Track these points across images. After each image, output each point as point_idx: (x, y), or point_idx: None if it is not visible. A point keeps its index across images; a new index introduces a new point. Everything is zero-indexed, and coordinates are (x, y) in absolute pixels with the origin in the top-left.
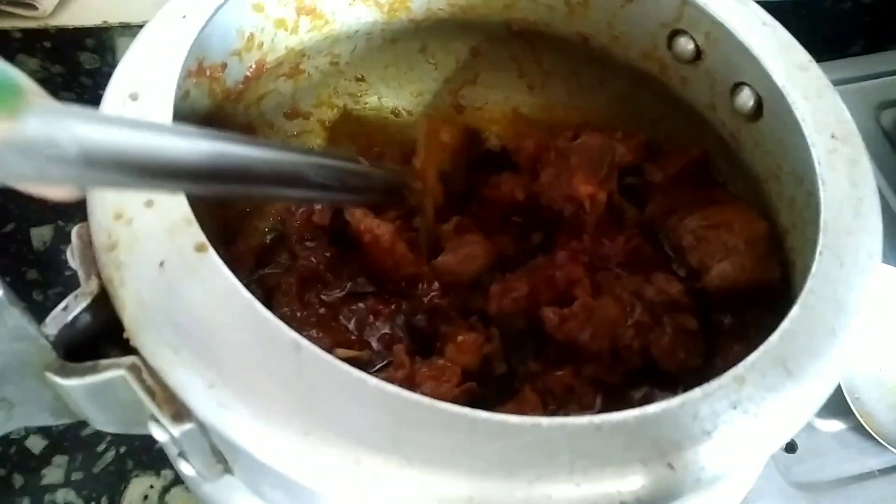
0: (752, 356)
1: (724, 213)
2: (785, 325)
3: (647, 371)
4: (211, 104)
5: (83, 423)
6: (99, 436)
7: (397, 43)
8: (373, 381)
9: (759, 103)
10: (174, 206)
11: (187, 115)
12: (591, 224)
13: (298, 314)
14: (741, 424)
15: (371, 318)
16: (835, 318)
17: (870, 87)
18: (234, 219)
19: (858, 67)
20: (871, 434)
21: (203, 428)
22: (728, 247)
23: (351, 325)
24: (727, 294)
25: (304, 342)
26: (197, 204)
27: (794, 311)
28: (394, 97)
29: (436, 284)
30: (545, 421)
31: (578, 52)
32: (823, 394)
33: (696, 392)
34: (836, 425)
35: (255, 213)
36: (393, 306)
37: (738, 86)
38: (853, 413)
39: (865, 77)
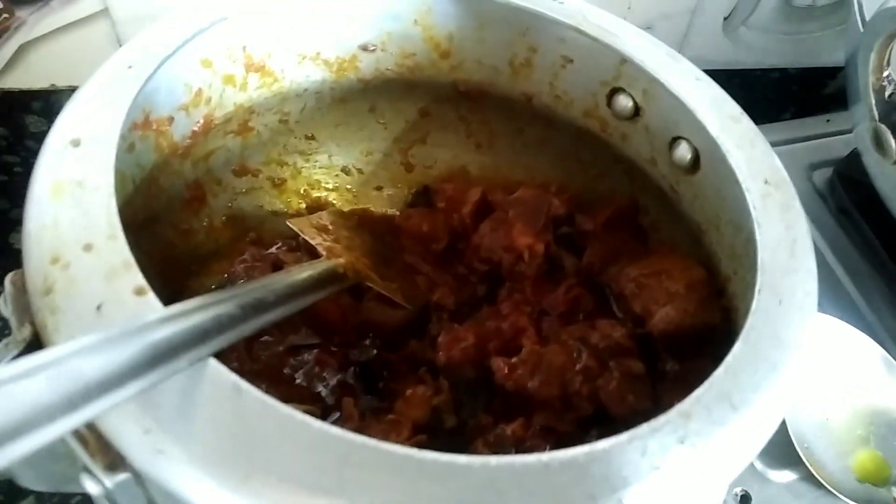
0: (697, 391)
1: (662, 262)
2: (728, 360)
3: (598, 419)
4: (157, 158)
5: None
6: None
7: (347, 102)
8: (316, 423)
9: (696, 156)
10: (114, 251)
11: (132, 167)
12: (530, 274)
13: (247, 368)
14: (689, 459)
15: (318, 369)
16: (776, 353)
17: (801, 148)
18: (177, 276)
19: (790, 131)
20: (822, 483)
21: (139, 477)
22: (670, 292)
23: (300, 378)
24: (671, 338)
25: (245, 385)
26: (138, 255)
27: (737, 347)
28: (344, 156)
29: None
30: (493, 460)
31: (523, 111)
32: (769, 428)
33: (644, 428)
34: (787, 476)
35: (202, 271)
36: (339, 357)
37: (675, 140)
38: (803, 463)
39: (797, 140)
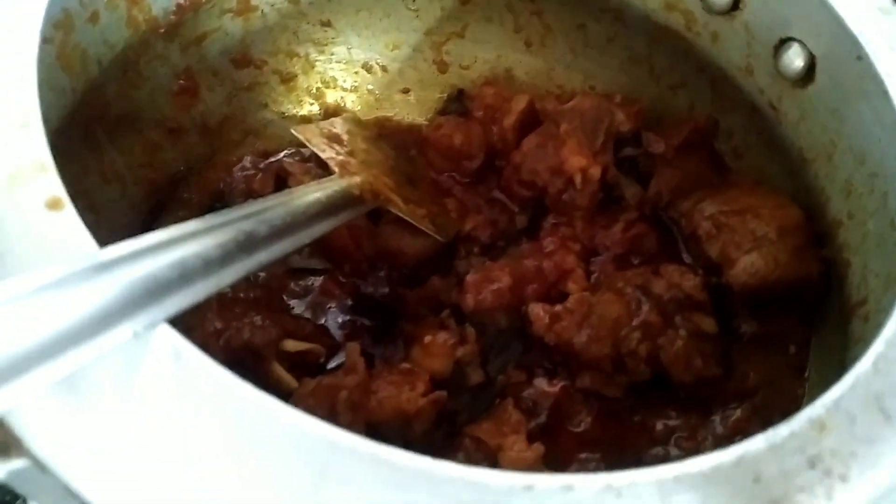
0: (834, 391)
1: (748, 197)
2: (879, 347)
3: (654, 384)
4: (131, 36)
5: None
6: None
7: None
8: (289, 413)
9: (811, 63)
10: (23, 145)
11: (96, 43)
12: (583, 204)
13: (241, 295)
14: (822, 491)
15: (324, 300)
16: None
17: None
18: (163, 184)
19: None
20: None
21: (41, 468)
22: (757, 236)
23: (302, 309)
24: (754, 293)
25: (187, 347)
26: (112, 157)
27: (889, 329)
28: (366, 49)
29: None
30: (542, 480)
31: (587, 1)
32: None
33: (759, 441)
34: None
35: (194, 179)
36: (349, 288)
37: (784, 42)
38: None
39: None
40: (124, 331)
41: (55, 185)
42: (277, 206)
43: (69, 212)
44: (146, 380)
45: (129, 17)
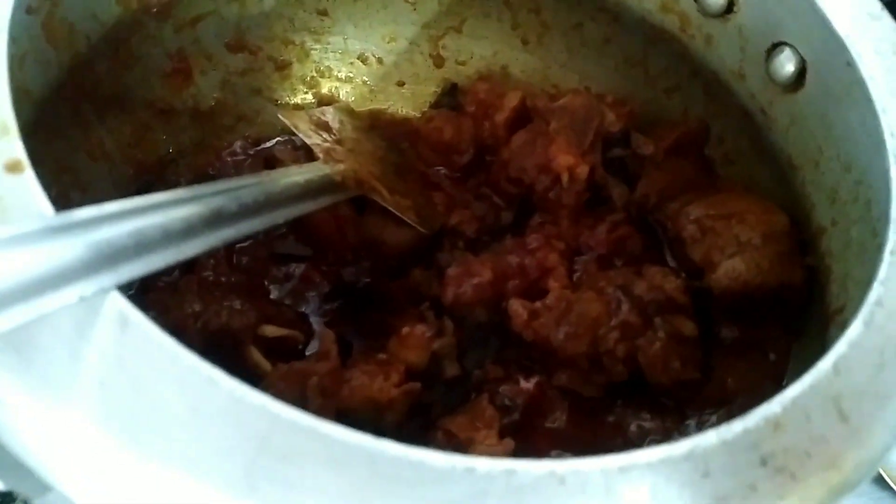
0: (792, 390)
1: (735, 202)
2: (841, 348)
3: (631, 386)
4: (122, 13)
5: None
6: None
7: None
8: (228, 383)
9: (801, 68)
10: None
11: (85, 18)
12: (568, 203)
13: (223, 279)
14: (772, 488)
15: (305, 287)
16: None
17: None
18: (152, 165)
19: None
20: (890, 486)
21: None
22: (741, 241)
23: (283, 296)
24: (735, 298)
25: (136, 316)
26: (100, 134)
27: (856, 329)
28: (362, 40)
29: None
30: (482, 463)
31: (584, 0)
32: (886, 449)
33: (711, 437)
34: None
35: (182, 161)
36: (331, 277)
37: (776, 46)
38: None
39: None
40: (70, 294)
41: (16, 148)
42: (251, 186)
43: (28, 175)
44: (94, 345)
45: None
